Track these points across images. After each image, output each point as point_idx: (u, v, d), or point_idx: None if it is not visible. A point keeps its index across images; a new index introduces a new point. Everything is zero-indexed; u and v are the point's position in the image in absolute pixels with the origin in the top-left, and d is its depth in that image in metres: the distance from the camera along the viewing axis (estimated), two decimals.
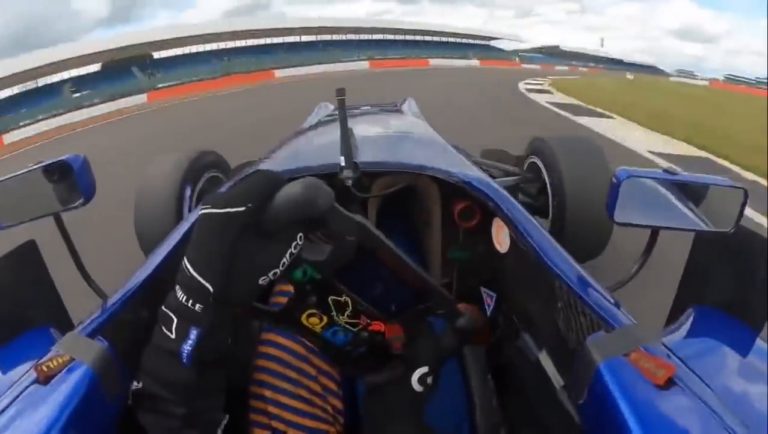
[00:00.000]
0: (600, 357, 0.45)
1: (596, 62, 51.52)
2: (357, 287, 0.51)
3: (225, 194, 0.39)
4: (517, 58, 42.07)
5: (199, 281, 0.37)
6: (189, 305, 0.38)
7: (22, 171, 0.78)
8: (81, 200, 0.76)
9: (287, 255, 0.41)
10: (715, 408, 0.39)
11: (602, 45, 52.10)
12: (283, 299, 0.53)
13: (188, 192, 1.77)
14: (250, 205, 0.39)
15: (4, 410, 0.41)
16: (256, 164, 1.07)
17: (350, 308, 0.52)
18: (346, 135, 0.81)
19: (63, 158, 0.76)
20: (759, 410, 0.42)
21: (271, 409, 0.60)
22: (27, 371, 0.46)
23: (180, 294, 0.38)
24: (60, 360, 0.45)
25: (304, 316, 0.51)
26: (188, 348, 0.38)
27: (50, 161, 0.78)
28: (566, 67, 38.37)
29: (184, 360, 0.38)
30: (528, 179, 1.96)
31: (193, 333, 0.38)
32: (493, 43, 45.84)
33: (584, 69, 41.20)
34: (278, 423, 0.60)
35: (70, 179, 0.76)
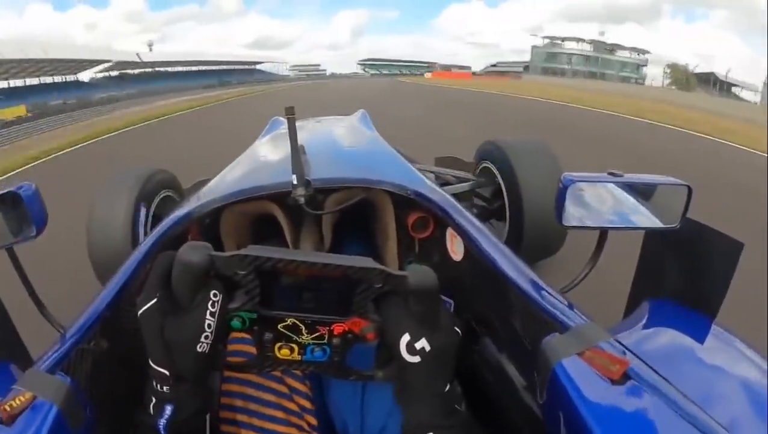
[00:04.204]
0: (555, 358, 0.47)
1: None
2: (290, 306, 0.51)
3: (143, 293, 0.46)
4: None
5: (158, 370, 0.46)
6: (159, 388, 0.46)
7: None
8: (33, 233, 0.72)
9: (208, 316, 0.45)
10: (671, 397, 0.40)
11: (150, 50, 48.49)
12: (238, 358, 0.58)
13: (143, 214, 1.71)
14: (158, 294, 0.45)
15: None
16: (209, 184, 1.01)
17: (302, 326, 0.52)
18: (297, 153, 0.79)
19: (11, 188, 0.72)
20: (720, 391, 0.44)
21: (244, 433, 0.62)
22: None
23: (154, 382, 0.46)
24: (22, 399, 0.44)
25: (276, 353, 0.53)
26: (164, 421, 0.46)
27: None
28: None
29: (162, 432, 0.46)
30: (481, 184, 1.97)
31: (167, 410, 0.46)
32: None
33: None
34: None
35: (20, 210, 0.72)
